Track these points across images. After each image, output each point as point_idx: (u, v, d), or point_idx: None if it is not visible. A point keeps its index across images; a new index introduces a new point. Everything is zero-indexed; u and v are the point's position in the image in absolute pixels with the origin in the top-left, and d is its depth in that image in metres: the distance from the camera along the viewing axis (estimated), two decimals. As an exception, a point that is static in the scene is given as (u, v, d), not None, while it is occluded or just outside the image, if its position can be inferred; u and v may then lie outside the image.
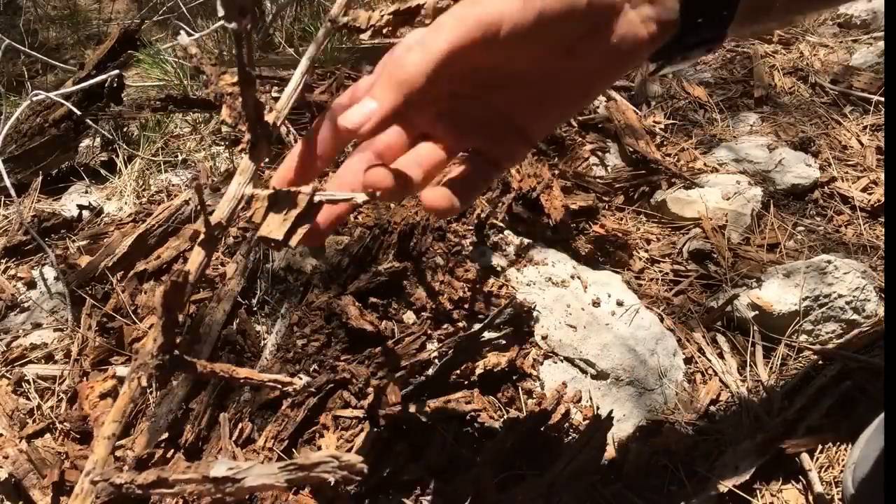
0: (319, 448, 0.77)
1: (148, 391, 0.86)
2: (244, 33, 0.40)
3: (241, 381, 0.58)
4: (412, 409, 0.79)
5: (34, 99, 1.26)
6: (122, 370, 0.88)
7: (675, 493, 0.77)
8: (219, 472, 0.51)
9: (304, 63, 0.50)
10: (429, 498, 0.72)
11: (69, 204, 1.20)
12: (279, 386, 0.55)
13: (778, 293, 0.97)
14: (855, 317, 0.96)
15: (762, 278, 1.01)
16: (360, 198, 0.42)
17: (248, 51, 0.42)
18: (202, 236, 0.47)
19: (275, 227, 0.45)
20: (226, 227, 0.48)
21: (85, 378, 0.87)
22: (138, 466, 0.70)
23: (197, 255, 0.47)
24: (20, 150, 1.24)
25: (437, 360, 0.83)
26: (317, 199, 0.44)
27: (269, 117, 0.48)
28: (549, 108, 0.48)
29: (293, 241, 0.44)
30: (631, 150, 1.28)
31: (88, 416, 0.65)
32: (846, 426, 0.82)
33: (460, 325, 0.89)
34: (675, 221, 1.18)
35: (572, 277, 0.98)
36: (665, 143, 1.36)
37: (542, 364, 0.88)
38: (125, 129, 1.37)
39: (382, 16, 0.49)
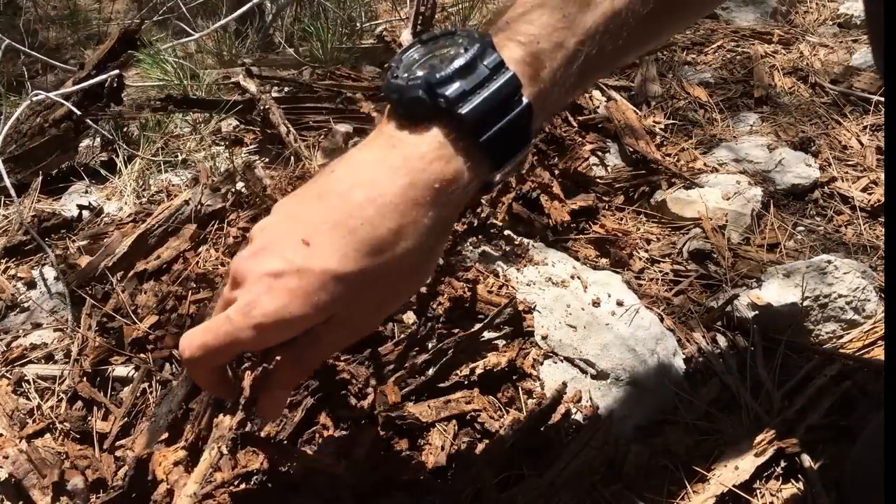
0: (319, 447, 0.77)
1: (148, 391, 0.87)
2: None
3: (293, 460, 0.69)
4: (412, 409, 0.79)
5: (34, 99, 1.26)
6: (120, 370, 0.88)
7: (675, 493, 0.77)
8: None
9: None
10: (429, 498, 0.72)
11: (69, 204, 1.20)
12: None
13: (778, 293, 0.97)
14: (855, 317, 0.96)
15: (762, 278, 1.01)
16: None
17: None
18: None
19: None
20: None
21: (84, 378, 0.87)
22: (138, 466, 0.71)
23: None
24: (20, 150, 1.24)
25: (437, 360, 0.83)
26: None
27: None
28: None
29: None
30: (631, 150, 1.28)
31: (164, 480, 0.72)
32: (846, 426, 0.82)
33: (460, 325, 0.89)
34: (675, 221, 1.18)
35: (572, 277, 0.98)
36: (665, 143, 1.36)
37: (542, 364, 0.88)
38: (125, 129, 1.37)
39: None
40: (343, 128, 1.13)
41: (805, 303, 0.95)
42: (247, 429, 0.77)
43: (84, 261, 1.02)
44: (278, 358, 0.50)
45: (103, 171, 1.26)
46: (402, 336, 0.86)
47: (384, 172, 0.44)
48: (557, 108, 0.56)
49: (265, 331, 0.45)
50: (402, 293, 0.50)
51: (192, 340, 0.49)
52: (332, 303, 0.44)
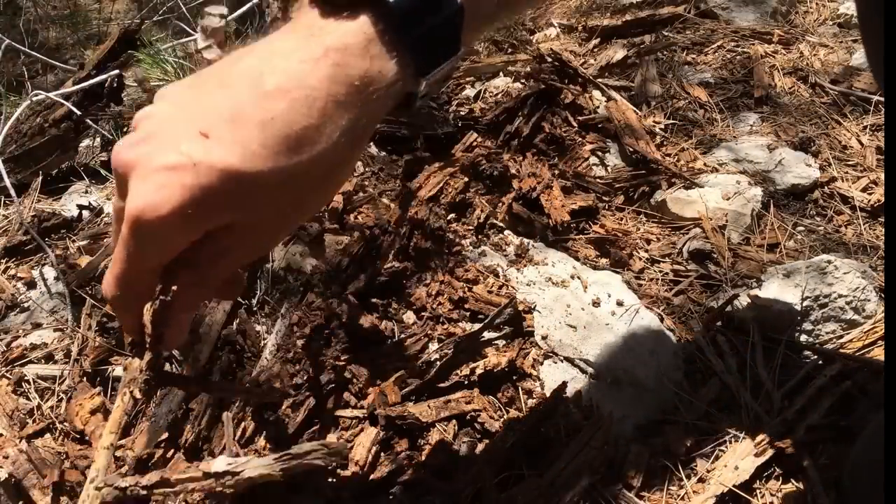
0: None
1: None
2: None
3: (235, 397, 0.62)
4: (412, 409, 0.79)
5: (34, 99, 1.26)
6: (120, 370, 0.88)
7: (674, 493, 0.77)
8: (218, 467, 0.53)
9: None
10: (429, 498, 0.72)
11: (69, 204, 1.20)
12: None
13: (778, 293, 0.97)
14: (855, 317, 0.96)
15: (762, 278, 1.01)
16: None
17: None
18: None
19: None
20: None
21: (84, 378, 0.87)
22: (138, 466, 0.71)
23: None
24: (20, 150, 1.24)
25: (437, 360, 0.83)
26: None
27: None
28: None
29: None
30: (631, 150, 1.28)
31: (83, 430, 0.67)
32: (846, 426, 0.82)
33: (460, 325, 0.89)
34: (675, 221, 1.18)
35: (572, 277, 0.98)
36: (665, 143, 1.36)
37: (542, 364, 0.88)
38: (125, 129, 1.37)
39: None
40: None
41: (805, 303, 0.95)
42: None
43: (84, 261, 1.02)
44: (175, 288, 0.45)
45: (103, 171, 1.26)
46: (403, 336, 0.86)
47: (301, 63, 0.39)
48: (488, 24, 0.51)
49: (161, 238, 0.40)
50: (310, 203, 0.45)
51: (105, 281, 0.45)
52: (232, 204, 0.40)
